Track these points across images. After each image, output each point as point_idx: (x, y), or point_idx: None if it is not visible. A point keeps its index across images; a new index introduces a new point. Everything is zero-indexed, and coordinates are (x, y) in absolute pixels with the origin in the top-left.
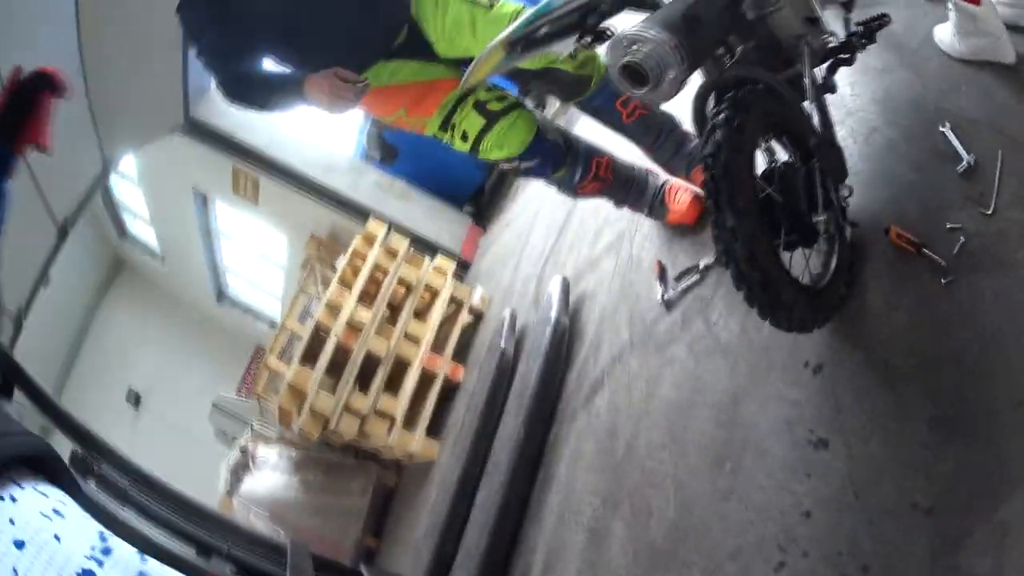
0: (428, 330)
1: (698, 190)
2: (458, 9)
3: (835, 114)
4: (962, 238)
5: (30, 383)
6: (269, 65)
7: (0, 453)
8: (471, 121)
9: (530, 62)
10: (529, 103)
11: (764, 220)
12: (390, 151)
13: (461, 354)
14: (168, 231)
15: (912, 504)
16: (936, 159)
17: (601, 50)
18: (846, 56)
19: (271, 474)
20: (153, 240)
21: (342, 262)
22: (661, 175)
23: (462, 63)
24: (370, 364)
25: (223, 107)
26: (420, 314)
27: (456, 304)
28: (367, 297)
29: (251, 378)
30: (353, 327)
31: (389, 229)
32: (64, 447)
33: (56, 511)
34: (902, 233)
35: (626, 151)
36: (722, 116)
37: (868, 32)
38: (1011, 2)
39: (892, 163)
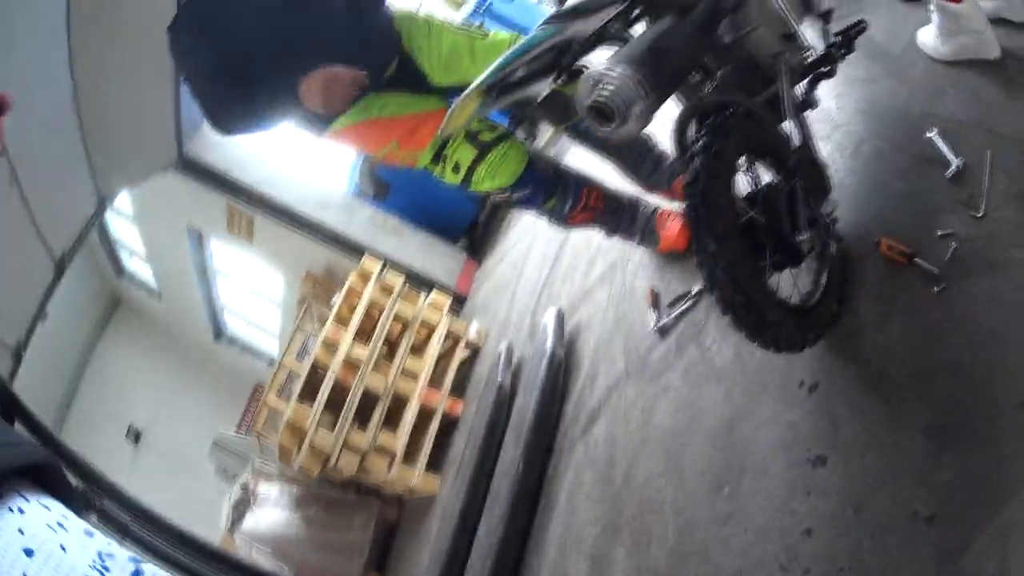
0: (425, 366)
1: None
2: (454, 38)
3: (821, 128)
4: (953, 244)
5: (30, 417)
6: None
7: (4, 463)
8: (463, 152)
9: None
10: (520, 134)
11: (747, 243)
12: (383, 187)
13: (459, 388)
14: (164, 268)
15: (912, 514)
16: (925, 166)
17: None
18: (826, 69)
19: (273, 510)
20: (150, 277)
21: (338, 299)
22: (650, 203)
23: (455, 93)
24: (369, 400)
25: (216, 144)
26: (417, 350)
27: (453, 339)
28: (364, 334)
29: (251, 415)
30: (350, 364)
31: (384, 266)
32: None
33: (60, 524)
34: (893, 244)
35: (615, 181)
36: (700, 144)
37: (846, 41)
38: None
39: (880, 174)
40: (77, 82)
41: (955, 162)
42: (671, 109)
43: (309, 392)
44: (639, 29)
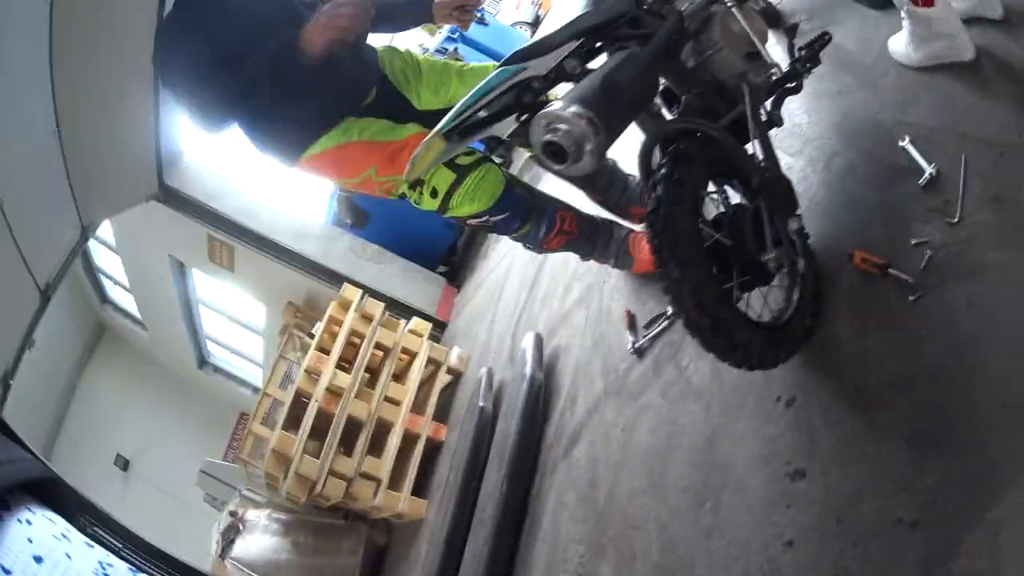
0: (408, 392)
1: None
2: (441, 62)
3: (793, 144)
4: (928, 252)
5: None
6: None
7: (11, 479)
8: (441, 176)
9: None
10: (496, 160)
11: (713, 266)
12: (361, 216)
13: (442, 413)
14: (147, 298)
15: (896, 520)
16: (898, 175)
17: None
18: (792, 85)
19: (262, 537)
20: (133, 307)
21: (319, 328)
22: (624, 226)
23: (435, 120)
24: (353, 427)
25: (196, 175)
26: (399, 376)
27: (434, 365)
28: (346, 362)
29: (237, 442)
30: (333, 392)
31: (364, 294)
32: None
33: (64, 535)
34: (867, 256)
35: (589, 205)
36: (661, 172)
37: (811, 56)
38: None
39: (853, 186)
40: (59, 112)
41: (928, 169)
42: (638, 134)
43: (293, 420)
44: (601, 60)
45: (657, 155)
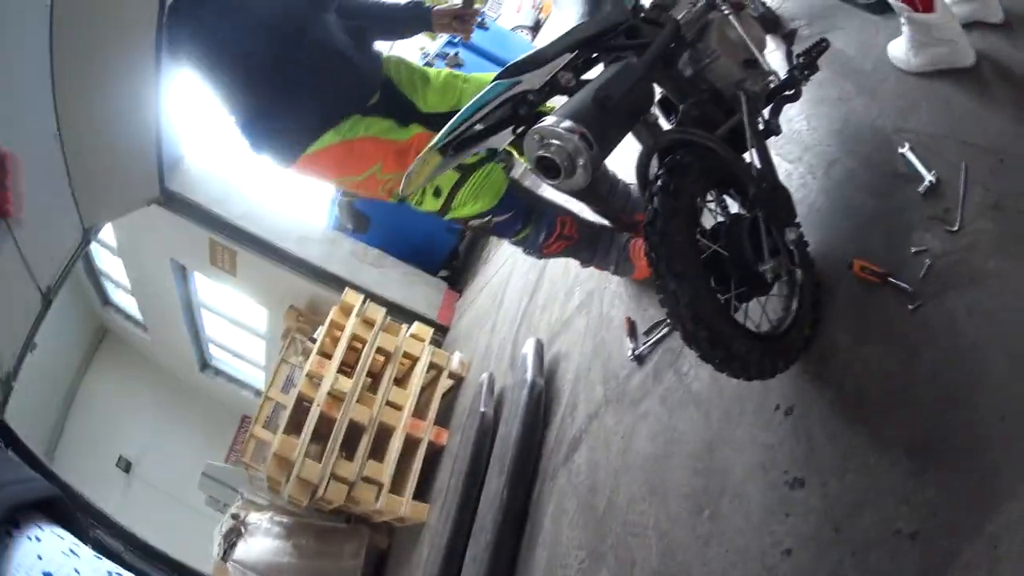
0: (409, 397)
1: None
2: (450, 73)
3: (792, 151)
4: (928, 260)
5: (22, 446)
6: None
7: (20, 498)
8: (444, 175)
9: None
10: (498, 159)
11: (710, 277)
12: (362, 220)
13: (444, 418)
14: (149, 301)
15: (895, 531)
16: (898, 183)
17: None
18: (790, 93)
19: (264, 539)
20: (135, 309)
21: (321, 333)
22: (624, 233)
23: (439, 123)
24: (354, 431)
25: (198, 180)
26: (401, 381)
27: (436, 369)
28: (347, 366)
29: (239, 445)
30: (335, 396)
31: (365, 299)
32: None
33: (72, 550)
34: (866, 265)
35: (589, 212)
36: (657, 184)
37: (809, 63)
38: None
39: (853, 193)
40: (60, 116)
41: (928, 177)
42: (636, 145)
43: (295, 424)
44: (598, 70)
45: (654, 166)
